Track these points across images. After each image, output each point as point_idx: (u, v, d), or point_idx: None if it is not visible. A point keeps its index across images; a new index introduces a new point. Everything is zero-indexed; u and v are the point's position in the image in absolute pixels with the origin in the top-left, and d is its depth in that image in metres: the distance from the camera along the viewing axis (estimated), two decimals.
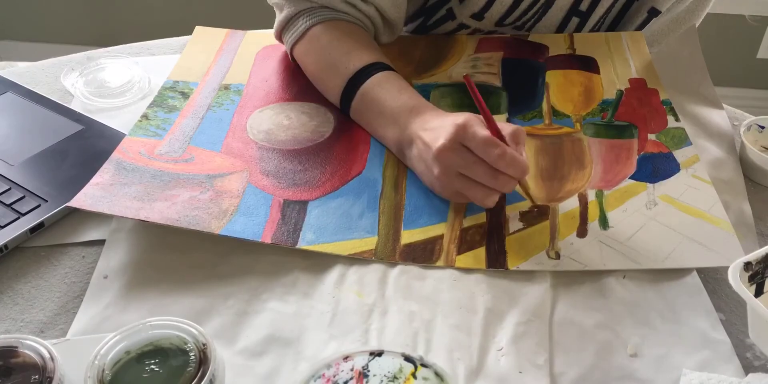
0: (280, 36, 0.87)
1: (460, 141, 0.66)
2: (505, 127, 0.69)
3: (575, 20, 0.92)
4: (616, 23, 0.95)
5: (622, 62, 0.89)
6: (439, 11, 0.92)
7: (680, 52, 0.91)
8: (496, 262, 0.66)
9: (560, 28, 0.93)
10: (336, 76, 0.80)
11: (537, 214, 0.70)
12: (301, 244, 0.66)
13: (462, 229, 0.69)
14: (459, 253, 0.67)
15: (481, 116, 0.69)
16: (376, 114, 0.77)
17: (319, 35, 0.82)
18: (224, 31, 0.95)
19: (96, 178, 0.70)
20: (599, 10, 0.91)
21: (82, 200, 0.67)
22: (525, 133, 0.69)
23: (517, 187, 0.70)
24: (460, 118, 0.68)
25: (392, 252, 0.66)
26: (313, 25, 0.82)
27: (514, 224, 0.69)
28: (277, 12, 0.86)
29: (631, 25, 0.94)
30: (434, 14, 0.93)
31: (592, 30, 0.94)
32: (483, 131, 0.66)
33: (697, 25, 0.98)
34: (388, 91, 0.76)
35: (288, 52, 0.86)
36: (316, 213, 0.69)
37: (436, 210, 0.71)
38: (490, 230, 0.69)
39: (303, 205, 0.70)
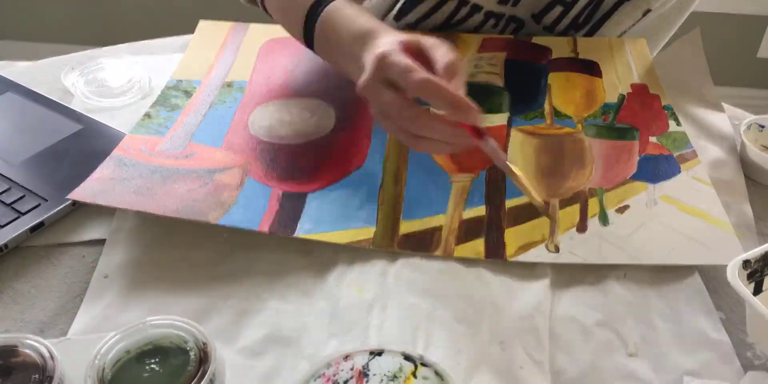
0: None
1: (382, 74, 0.60)
2: (439, 57, 0.62)
3: (558, 8, 0.91)
4: (604, 20, 0.93)
5: (624, 67, 0.89)
6: None
7: (683, 54, 0.91)
8: (495, 253, 0.66)
9: (542, 13, 0.92)
10: (295, 15, 0.74)
11: (536, 208, 0.71)
12: (299, 234, 0.66)
13: (461, 220, 0.69)
14: (458, 243, 0.67)
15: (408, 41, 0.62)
16: (335, 50, 0.70)
17: None
18: (228, 24, 0.95)
19: (96, 173, 0.70)
20: (582, 2, 0.90)
21: (81, 193, 0.68)
22: (461, 63, 0.61)
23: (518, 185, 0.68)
24: (381, 45, 0.61)
25: (390, 241, 0.67)
26: None
27: (514, 217, 0.69)
28: None
29: (621, 25, 0.93)
30: None
31: (573, 21, 0.93)
32: (403, 59, 0.59)
33: (681, 22, 0.98)
34: (341, 21, 0.69)
35: (261, 7, 0.83)
36: (315, 204, 0.69)
37: (436, 202, 0.71)
38: (489, 222, 0.69)
39: (302, 196, 0.70)
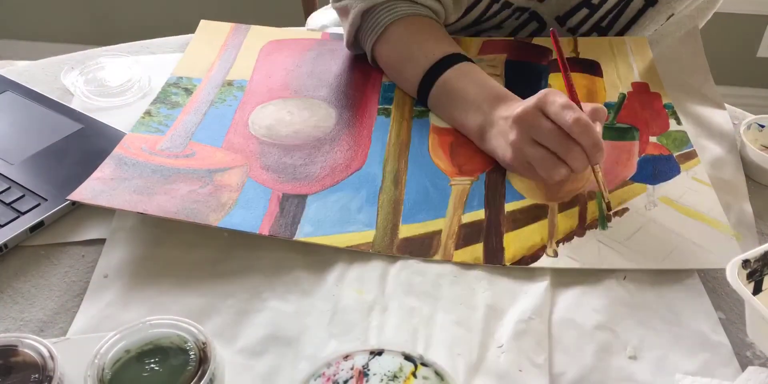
0: (353, 40, 0.87)
1: (540, 107, 0.69)
2: (588, 105, 0.71)
3: (584, 11, 0.92)
4: (629, 25, 0.94)
5: (625, 66, 0.89)
6: None
7: (683, 52, 0.91)
8: (494, 257, 0.66)
9: (567, 15, 0.93)
10: (416, 66, 0.81)
11: (535, 212, 0.71)
12: (299, 237, 0.66)
13: (461, 225, 0.69)
14: (457, 248, 0.67)
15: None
16: (458, 102, 0.78)
17: (399, 30, 0.84)
18: (229, 25, 0.95)
19: (97, 173, 0.70)
20: (607, 5, 0.91)
21: (81, 193, 0.68)
22: (606, 111, 0.72)
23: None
24: (544, 89, 0.70)
25: (390, 245, 0.66)
26: (393, 21, 0.83)
27: (513, 221, 0.69)
28: (343, 19, 0.87)
29: (645, 29, 0.94)
30: None
31: (596, 24, 0.93)
32: (563, 98, 0.69)
33: (701, 26, 0.97)
34: (472, 80, 0.78)
35: (369, 53, 0.87)
36: (315, 207, 0.69)
37: (436, 206, 0.71)
38: (488, 227, 0.69)
39: (302, 198, 0.70)
